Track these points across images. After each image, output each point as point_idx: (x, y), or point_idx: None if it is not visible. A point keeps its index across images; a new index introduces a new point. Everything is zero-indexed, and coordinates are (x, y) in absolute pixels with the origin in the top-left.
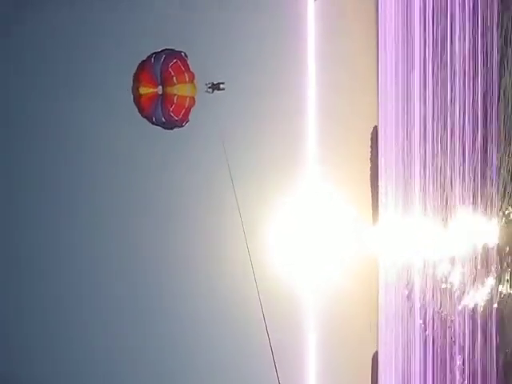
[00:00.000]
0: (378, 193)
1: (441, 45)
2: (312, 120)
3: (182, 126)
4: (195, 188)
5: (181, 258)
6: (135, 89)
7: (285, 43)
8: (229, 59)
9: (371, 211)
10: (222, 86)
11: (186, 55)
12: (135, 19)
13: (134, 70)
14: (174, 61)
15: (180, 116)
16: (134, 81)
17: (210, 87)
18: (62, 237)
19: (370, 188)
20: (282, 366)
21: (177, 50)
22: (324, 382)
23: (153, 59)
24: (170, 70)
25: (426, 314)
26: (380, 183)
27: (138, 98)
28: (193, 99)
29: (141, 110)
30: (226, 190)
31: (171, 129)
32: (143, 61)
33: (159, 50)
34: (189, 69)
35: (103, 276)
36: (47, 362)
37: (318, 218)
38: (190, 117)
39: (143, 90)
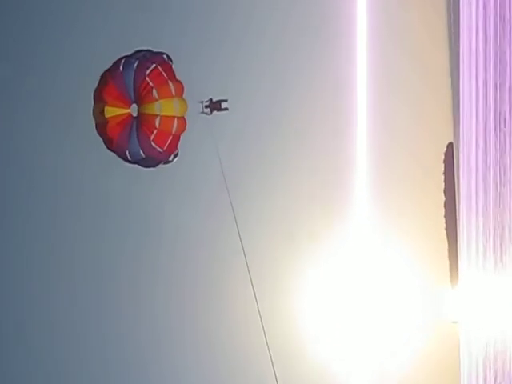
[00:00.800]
0: (456, 241)
1: None
2: (362, 140)
3: (170, 162)
4: (186, 244)
5: (173, 327)
6: (98, 111)
7: (322, 32)
8: (234, 64)
9: (448, 268)
10: (224, 104)
11: (169, 58)
12: (94, 10)
13: (95, 83)
14: (153, 67)
15: (165, 146)
16: (95, 100)
17: (207, 106)
18: None
19: (445, 234)
20: None
21: (156, 51)
22: None
23: (121, 66)
24: (147, 80)
25: None
26: (460, 227)
27: (102, 125)
28: (183, 121)
29: (108, 142)
30: (233, 246)
31: (154, 166)
32: (108, 70)
33: (130, 53)
34: (174, 77)
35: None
36: None
37: (371, 278)
38: (179, 147)
39: (110, 112)
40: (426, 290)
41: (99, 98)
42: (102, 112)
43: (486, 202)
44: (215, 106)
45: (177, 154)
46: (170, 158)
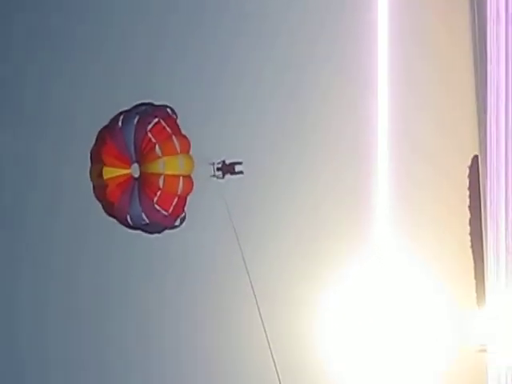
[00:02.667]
0: (483, 260)
1: None
2: (383, 153)
3: (176, 227)
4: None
5: None
6: (95, 173)
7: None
8: (249, 120)
9: (474, 288)
10: (237, 167)
11: (173, 112)
12: (86, 60)
13: (92, 142)
14: (155, 121)
15: (171, 209)
16: (92, 160)
17: (219, 169)
18: None
19: (470, 253)
20: None
21: (159, 104)
22: None
23: (120, 122)
24: (149, 135)
25: None
26: (486, 245)
27: (101, 188)
28: (189, 181)
29: (108, 206)
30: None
31: (159, 232)
32: (106, 127)
33: (130, 108)
34: (179, 132)
35: None
36: None
37: (393, 300)
38: (186, 209)
39: (109, 173)
40: (451, 312)
41: (97, 158)
42: (101, 174)
43: None
44: (228, 168)
45: (184, 218)
46: (177, 223)
